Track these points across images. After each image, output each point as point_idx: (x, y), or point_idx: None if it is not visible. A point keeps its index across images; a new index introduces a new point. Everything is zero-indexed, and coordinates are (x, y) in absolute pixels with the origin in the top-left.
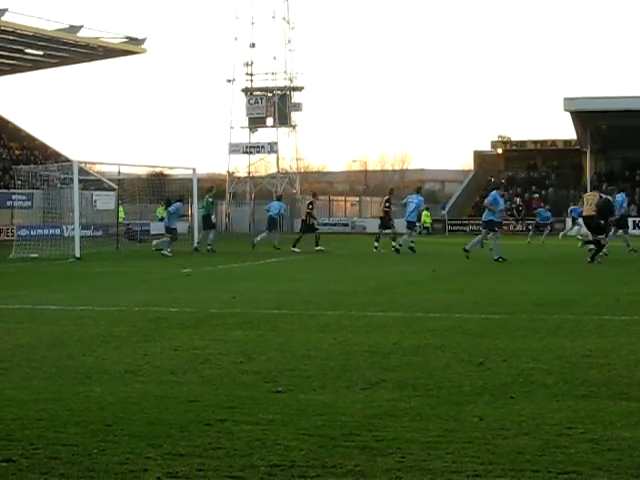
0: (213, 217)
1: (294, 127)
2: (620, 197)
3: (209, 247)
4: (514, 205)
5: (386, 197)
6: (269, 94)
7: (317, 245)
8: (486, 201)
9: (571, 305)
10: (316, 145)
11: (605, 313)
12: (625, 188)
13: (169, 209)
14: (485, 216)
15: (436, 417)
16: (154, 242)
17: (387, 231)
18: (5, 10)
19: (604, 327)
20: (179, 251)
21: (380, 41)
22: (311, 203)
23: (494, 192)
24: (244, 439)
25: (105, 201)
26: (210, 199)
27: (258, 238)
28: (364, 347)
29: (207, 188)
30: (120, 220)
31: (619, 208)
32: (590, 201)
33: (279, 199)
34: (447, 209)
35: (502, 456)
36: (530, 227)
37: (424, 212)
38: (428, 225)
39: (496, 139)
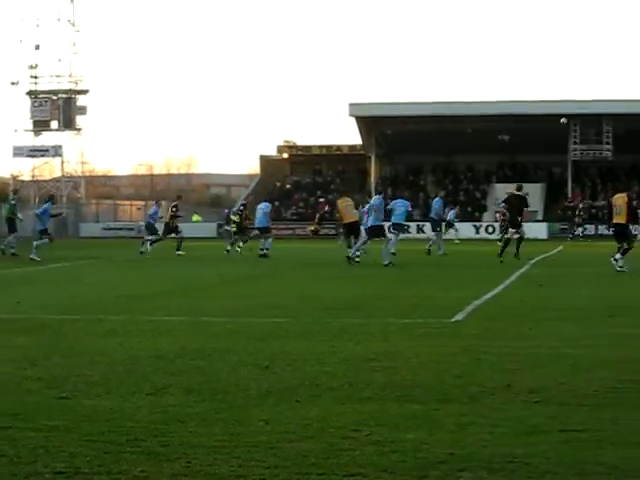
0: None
1: (79, 130)
2: (437, 203)
3: (12, 250)
4: (321, 212)
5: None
6: (54, 97)
7: (178, 249)
8: (371, 203)
9: (356, 309)
10: (102, 149)
11: (389, 316)
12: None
13: (38, 211)
14: (371, 221)
15: (222, 421)
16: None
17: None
18: None
19: (388, 330)
20: None
21: (166, 45)
22: (175, 206)
23: (378, 197)
24: (28, 446)
25: None
26: (13, 201)
27: (147, 245)
28: (150, 352)
29: (12, 190)
30: None
31: (435, 212)
32: (350, 208)
33: (157, 204)
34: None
35: (288, 460)
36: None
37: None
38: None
39: (282, 144)
